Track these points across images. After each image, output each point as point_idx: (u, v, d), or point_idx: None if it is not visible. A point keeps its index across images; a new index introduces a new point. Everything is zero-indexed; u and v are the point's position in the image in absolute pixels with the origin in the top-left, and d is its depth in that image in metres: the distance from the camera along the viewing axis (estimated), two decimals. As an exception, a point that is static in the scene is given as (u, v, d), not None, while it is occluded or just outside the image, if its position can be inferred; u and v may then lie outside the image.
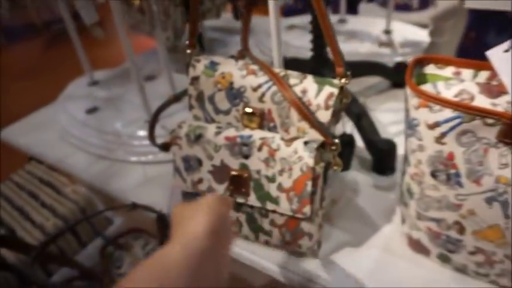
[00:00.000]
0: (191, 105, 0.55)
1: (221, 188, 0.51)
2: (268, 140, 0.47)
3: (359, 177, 0.65)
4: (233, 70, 0.51)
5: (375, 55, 0.98)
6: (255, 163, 0.48)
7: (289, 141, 0.46)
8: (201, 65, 0.53)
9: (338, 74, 0.46)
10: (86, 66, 0.97)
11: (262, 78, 0.49)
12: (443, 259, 0.48)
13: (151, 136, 0.62)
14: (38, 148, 0.83)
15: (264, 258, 0.53)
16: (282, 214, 0.49)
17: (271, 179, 0.47)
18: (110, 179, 0.73)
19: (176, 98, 0.61)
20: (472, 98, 0.38)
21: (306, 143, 0.45)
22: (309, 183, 0.45)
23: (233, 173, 0.49)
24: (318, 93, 0.46)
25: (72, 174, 0.77)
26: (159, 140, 0.59)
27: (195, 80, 0.53)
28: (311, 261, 0.52)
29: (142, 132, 0.79)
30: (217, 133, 0.50)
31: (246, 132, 0.49)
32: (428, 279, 0.48)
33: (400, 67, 0.84)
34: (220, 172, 0.50)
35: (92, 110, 0.88)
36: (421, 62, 0.43)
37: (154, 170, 0.74)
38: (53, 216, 0.62)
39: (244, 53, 0.56)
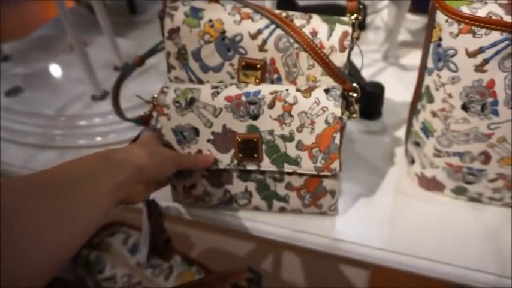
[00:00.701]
0: (170, 65, 0.45)
1: (226, 158, 0.44)
2: (282, 93, 0.40)
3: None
4: (223, 16, 0.42)
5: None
6: (266, 123, 0.41)
7: (306, 92, 0.40)
8: (179, 14, 0.42)
9: (350, 8, 0.41)
10: (-11, 37, 0.77)
11: (261, 22, 0.41)
12: (459, 192, 0.48)
13: (118, 109, 0.51)
14: None
15: (279, 225, 0.49)
16: (301, 175, 0.44)
17: (288, 138, 0.41)
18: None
19: (143, 59, 0.50)
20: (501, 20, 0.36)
21: (326, 91, 0.40)
22: (337, 136, 0.40)
23: (240, 138, 0.42)
24: (330, 34, 0.41)
25: (11, 174, 0.62)
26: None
27: (173, 32, 0.43)
28: (330, 219, 0.49)
29: (91, 110, 0.65)
30: (215, 94, 0.41)
31: (252, 88, 0.41)
32: (444, 213, 0.49)
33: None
34: (223, 139, 0.43)
35: (12, 92, 0.70)
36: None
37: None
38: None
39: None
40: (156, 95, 0.43)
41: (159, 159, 0.39)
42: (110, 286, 0.52)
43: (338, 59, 0.41)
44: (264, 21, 0.42)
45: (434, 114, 0.43)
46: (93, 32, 0.83)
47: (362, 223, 0.49)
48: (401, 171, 0.54)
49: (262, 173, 0.45)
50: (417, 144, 0.49)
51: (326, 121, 0.40)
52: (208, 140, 0.43)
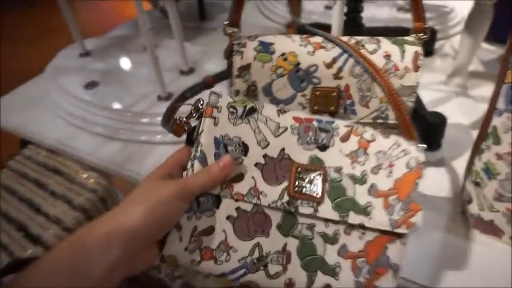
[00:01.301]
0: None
1: (274, 192, 0.34)
2: (358, 128, 0.36)
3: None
4: (295, 48, 0.41)
5: (394, 20, 0.92)
6: (335, 157, 0.35)
7: (385, 133, 0.36)
8: (249, 50, 0.41)
9: (416, 29, 0.41)
10: (76, 34, 0.85)
11: (334, 51, 0.41)
12: (518, 240, 0.45)
13: (167, 120, 0.42)
14: (31, 129, 0.73)
15: None
16: (362, 235, 0.34)
17: (360, 180, 0.34)
18: (124, 163, 0.65)
19: (214, 82, 0.48)
20: None
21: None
22: (419, 184, 0.34)
23: (300, 167, 0.35)
24: (402, 56, 0.40)
25: (78, 158, 0.68)
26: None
27: (243, 69, 0.41)
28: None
29: (155, 109, 0.70)
30: (281, 111, 0.36)
31: (324, 117, 0.37)
32: (497, 260, 0.46)
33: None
34: (276, 167, 0.35)
35: (90, 85, 0.78)
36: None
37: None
38: (70, 208, 0.54)
39: (295, 25, 0.48)
40: (209, 97, 0.36)
41: (162, 211, 0.31)
42: (154, 275, 0.56)
43: (412, 79, 0.40)
44: (337, 50, 0.42)
45: (499, 156, 0.41)
46: (164, 35, 0.89)
47: (411, 257, 0.47)
48: (456, 210, 0.52)
49: (311, 227, 0.35)
50: (477, 184, 0.46)
51: (408, 165, 0.34)
52: (256, 164, 0.35)
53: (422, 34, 0.41)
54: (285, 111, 0.36)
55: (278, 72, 0.41)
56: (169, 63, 0.79)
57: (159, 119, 0.47)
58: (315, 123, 0.36)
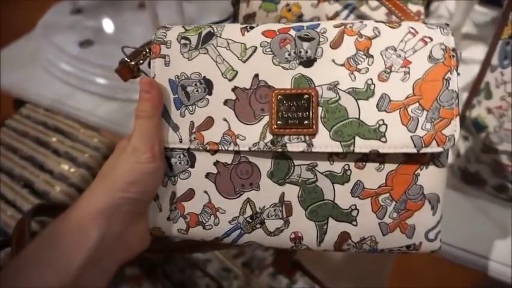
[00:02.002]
0: None
1: (253, 132, 0.27)
2: (354, 25, 0.27)
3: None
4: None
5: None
6: (326, 71, 0.27)
7: (393, 23, 0.27)
8: None
9: None
10: (66, -10, 0.82)
11: (337, 5, 0.42)
12: (500, 190, 0.49)
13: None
14: (25, 88, 0.72)
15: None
16: (381, 163, 0.27)
17: (364, 93, 0.26)
18: (126, 122, 0.65)
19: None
20: None
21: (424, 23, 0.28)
22: (453, 78, 0.25)
23: (281, 95, 0.27)
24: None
25: (78, 118, 0.68)
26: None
27: (249, 18, 0.43)
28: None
29: (153, 69, 0.70)
30: (247, 29, 0.28)
31: (305, 22, 0.29)
32: (482, 208, 0.50)
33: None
34: (251, 100, 0.27)
35: (85, 43, 0.76)
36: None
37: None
38: (74, 166, 0.56)
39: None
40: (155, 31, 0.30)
41: (139, 178, 0.28)
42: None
43: None
44: (341, 3, 0.42)
45: (489, 110, 0.43)
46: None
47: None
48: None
49: (313, 168, 0.28)
50: (465, 138, 0.49)
51: (431, 57, 0.26)
52: (226, 102, 0.28)
53: None
54: (252, 27, 0.28)
55: (281, 22, 0.42)
56: (166, 21, 0.78)
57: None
58: (293, 32, 0.27)
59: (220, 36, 0.28)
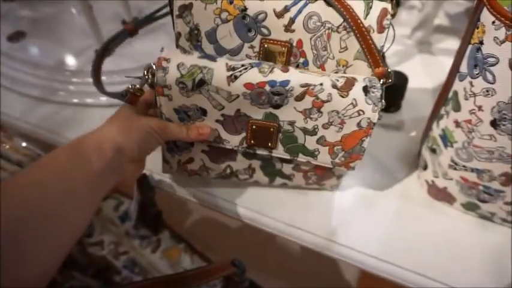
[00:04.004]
0: (180, 48, 0.39)
1: (235, 140, 0.40)
2: (315, 88, 0.36)
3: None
4: None
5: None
6: (288, 113, 0.38)
7: (344, 89, 0.36)
8: None
9: None
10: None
11: None
12: (469, 207, 0.45)
13: (97, 79, 0.44)
14: None
15: (275, 218, 0.46)
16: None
17: (310, 132, 0.39)
18: (61, 129, 0.57)
19: (138, 27, 0.45)
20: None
21: (365, 90, 0.35)
22: (366, 140, 0.38)
23: (255, 125, 0.39)
24: (367, 12, 0.35)
25: (5, 124, 0.60)
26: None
27: (185, 9, 0.36)
28: (328, 217, 0.46)
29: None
30: (232, 78, 0.36)
31: (279, 75, 0.36)
32: (448, 226, 0.46)
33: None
34: (234, 122, 0.39)
35: (15, 36, 0.67)
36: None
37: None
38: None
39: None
40: (149, 66, 0.36)
41: (140, 135, 0.37)
42: (95, 252, 0.52)
43: (376, 41, 0.36)
44: None
45: (457, 124, 0.38)
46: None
47: (360, 225, 0.46)
48: (411, 175, 0.51)
49: (271, 156, 0.42)
50: (433, 150, 0.44)
51: (359, 124, 0.37)
52: (217, 121, 0.39)
53: None
54: (236, 77, 0.36)
55: (222, 16, 0.36)
56: (109, 12, 0.70)
57: (103, 78, 0.45)
58: (268, 88, 0.36)
59: (210, 84, 0.36)
